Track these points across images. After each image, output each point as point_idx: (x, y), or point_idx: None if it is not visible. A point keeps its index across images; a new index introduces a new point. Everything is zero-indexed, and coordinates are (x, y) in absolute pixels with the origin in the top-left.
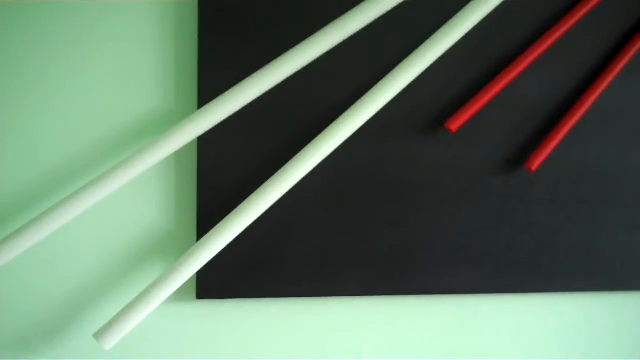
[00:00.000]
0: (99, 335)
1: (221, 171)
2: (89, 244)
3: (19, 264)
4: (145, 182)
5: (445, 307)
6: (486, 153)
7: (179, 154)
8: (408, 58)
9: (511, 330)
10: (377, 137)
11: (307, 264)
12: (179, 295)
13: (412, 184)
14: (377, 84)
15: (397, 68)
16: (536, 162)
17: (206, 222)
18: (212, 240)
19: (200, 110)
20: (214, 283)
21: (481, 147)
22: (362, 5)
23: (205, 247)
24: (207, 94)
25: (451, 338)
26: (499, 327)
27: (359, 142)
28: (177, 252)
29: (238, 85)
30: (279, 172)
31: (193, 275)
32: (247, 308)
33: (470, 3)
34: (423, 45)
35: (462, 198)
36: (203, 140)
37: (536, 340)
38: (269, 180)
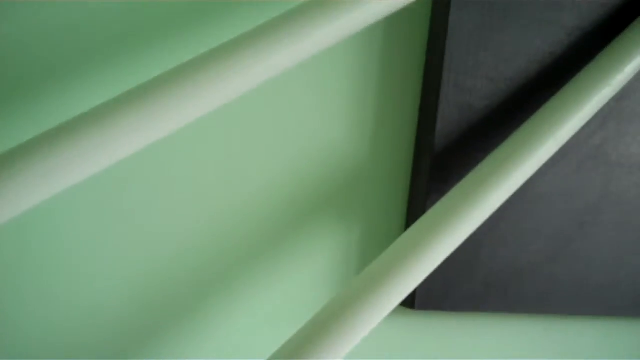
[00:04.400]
0: None
1: (472, 69)
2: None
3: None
4: (326, 73)
5: None
6: None
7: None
8: None
9: None
10: None
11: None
12: None
13: None
14: None
15: None
16: None
17: (441, 159)
18: (467, 206)
19: None
20: (438, 288)
21: None
22: None
23: (455, 217)
24: None
25: None
26: None
27: None
28: (369, 212)
29: None
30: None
31: None
32: (480, 325)
33: None
34: None
35: None
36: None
37: None
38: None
